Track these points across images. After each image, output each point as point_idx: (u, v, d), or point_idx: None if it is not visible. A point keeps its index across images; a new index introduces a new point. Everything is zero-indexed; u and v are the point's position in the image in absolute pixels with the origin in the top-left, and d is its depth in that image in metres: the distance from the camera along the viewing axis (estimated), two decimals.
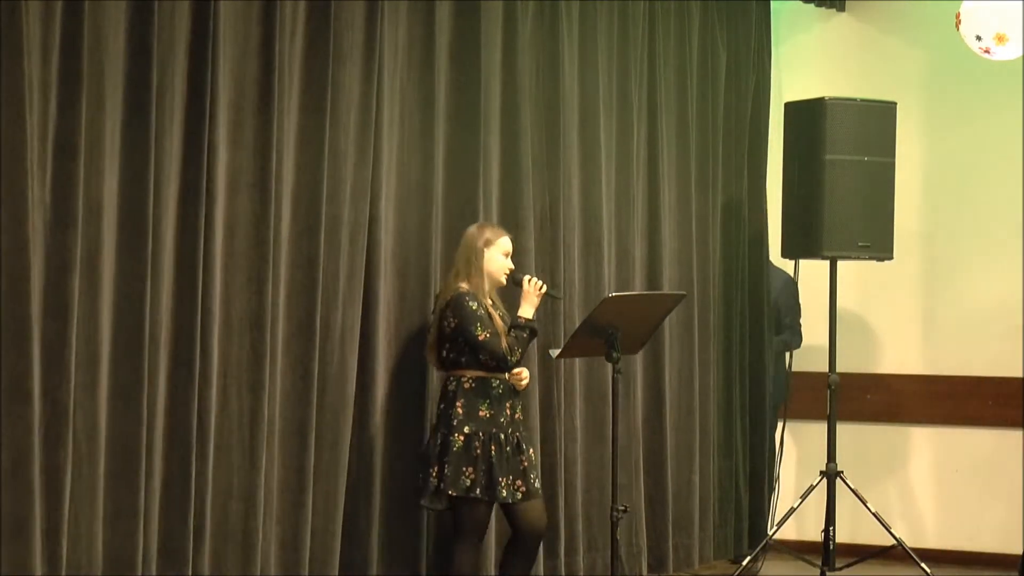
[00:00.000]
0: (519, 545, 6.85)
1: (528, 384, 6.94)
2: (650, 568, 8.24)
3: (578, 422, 7.70)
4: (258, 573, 6.23)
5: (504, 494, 6.65)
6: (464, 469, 6.62)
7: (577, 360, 7.68)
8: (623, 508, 6.74)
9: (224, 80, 6.12)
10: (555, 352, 6.94)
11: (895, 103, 8.39)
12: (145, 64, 5.77)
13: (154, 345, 5.86)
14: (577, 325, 7.30)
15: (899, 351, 9.25)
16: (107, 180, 5.68)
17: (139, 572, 5.76)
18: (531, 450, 6.88)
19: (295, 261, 6.47)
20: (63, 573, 5.48)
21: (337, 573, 6.61)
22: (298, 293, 6.47)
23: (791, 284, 9.06)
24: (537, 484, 6.82)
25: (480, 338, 6.66)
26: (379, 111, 6.76)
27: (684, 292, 7.94)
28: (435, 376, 7.01)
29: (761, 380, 9.05)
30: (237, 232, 6.22)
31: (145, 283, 5.78)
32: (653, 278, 8.30)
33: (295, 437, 6.45)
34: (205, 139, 6.02)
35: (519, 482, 6.72)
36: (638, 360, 8.10)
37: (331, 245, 6.59)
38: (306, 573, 6.46)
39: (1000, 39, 7.70)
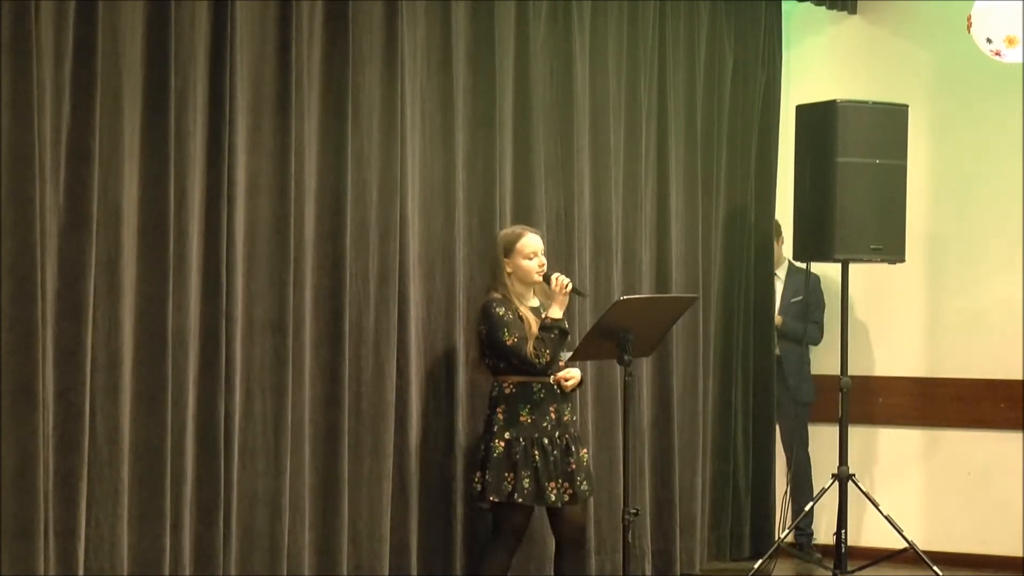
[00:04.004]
0: (558, 551, 6.95)
1: (576, 385, 6.91)
2: (656, 570, 8.23)
3: (590, 426, 7.69)
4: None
5: (552, 498, 6.70)
6: (505, 475, 6.68)
7: (588, 364, 7.67)
8: (634, 511, 6.75)
9: (242, 83, 6.13)
10: (566, 355, 6.94)
11: (907, 106, 8.38)
12: (164, 67, 5.78)
13: (182, 348, 5.89)
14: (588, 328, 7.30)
15: (910, 354, 9.23)
16: (126, 184, 5.70)
17: (167, 574, 5.78)
18: (583, 451, 6.89)
19: (320, 265, 6.48)
20: (80, 574, 5.50)
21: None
22: (324, 297, 6.48)
23: (818, 282, 9.06)
24: (585, 487, 6.83)
25: (508, 343, 6.69)
26: (403, 114, 6.77)
27: (696, 295, 7.93)
28: (464, 379, 7.05)
29: (768, 384, 9.03)
30: (258, 236, 6.24)
31: (168, 287, 5.79)
32: (661, 281, 8.29)
33: (325, 442, 6.47)
34: (225, 142, 6.04)
35: (566, 485, 6.76)
36: (645, 363, 8.09)
37: (359, 249, 6.60)
38: None
39: (1011, 41, 7.69)
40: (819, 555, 8.93)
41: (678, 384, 8.40)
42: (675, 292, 8.24)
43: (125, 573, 5.68)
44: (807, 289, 8.93)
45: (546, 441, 6.73)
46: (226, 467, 6.06)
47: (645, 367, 8.15)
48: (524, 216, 7.37)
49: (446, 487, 6.98)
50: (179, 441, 5.88)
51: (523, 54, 7.41)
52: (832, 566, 8.28)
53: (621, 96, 8.01)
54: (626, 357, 6.64)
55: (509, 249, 6.83)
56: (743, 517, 9.02)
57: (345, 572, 6.49)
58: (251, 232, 6.22)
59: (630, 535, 6.71)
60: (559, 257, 7.59)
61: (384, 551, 6.64)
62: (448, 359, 7.04)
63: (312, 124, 6.45)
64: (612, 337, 6.66)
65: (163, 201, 5.80)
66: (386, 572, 6.64)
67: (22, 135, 5.31)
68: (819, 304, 9.09)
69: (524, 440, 6.70)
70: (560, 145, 7.65)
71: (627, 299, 6.92)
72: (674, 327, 8.14)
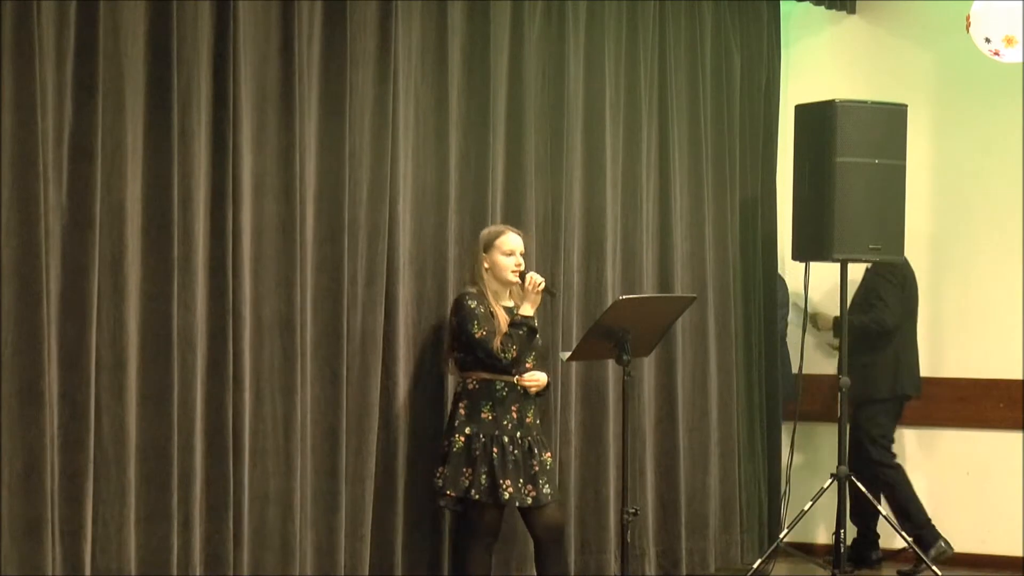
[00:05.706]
0: (538, 551, 6.92)
1: (541, 388, 6.90)
2: (662, 570, 8.22)
3: (572, 424, 7.66)
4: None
5: (507, 496, 6.68)
6: (463, 470, 6.68)
7: (574, 363, 7.62)
8: (633, 511, 6.74)
9: (247, 82, 6.15)
10: (565, 355, 6.94)
11: (906, 105, 8.39)
12: (166, 67, 5.80)
13: (190, 348, 5.91)
14: (579, 328, 7.33)
15: None
16: (129, 183, 5.72)
17: (175, 574, 5.80)
18: (547, 454, 6.87)
19: (320, 265, 6.50)
20: (87, 574, 5.52)
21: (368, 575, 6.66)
22: (323, 297, 6.50)
23: (782, 279, 9.13)
24: (547, 490, 6.79)
25: (476, 336, 6.70)
26: (395, 113, 6.78)
27: (695, 295, 7.93)
28: (452, 379, 7.04)
29: (775, 382, 9.04)
30: (264, 235, 6.25)
31: (173, 286, 5.81)
32: (664, 280, 8.28)
33: (326, 441, 6.49)
34: (230, 142, 6.05)
35: (529, 487, 6.74)
36: (647, 363, 8.08)
37: (351, 248, 6.61)
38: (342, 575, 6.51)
39: (1009, 41, 7.70)
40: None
41: (685, 383, 8.35)
42: (679, 292, 8.22)
43: (133, 573, 5.70)
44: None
45: (506, 439, 6.72)
46: (237, 468, 6.07)
47: (647, 366, 8.14)
48: (515, 216, 7.36)
49: (434, 487, 6.96)
50: (187, 441, 5.90)
51: (517, 55, 7.41)
52: (831, 566, 8.29)
53: (620, 96, 8.00)
54: (624, 357, 6.65)
55: (488, 245, 6.84)
56: (764, 518, 9.00)
57: (342, 570, 6.50)
58: (258, 232, 6.24)
59: (628, 535, 6.72)
60: (549, 257, 7.58)
61: (365, 550, 6.63)
62: (438, 359, 7.03)
63: (312, 124, 6.47)
64: (611, 337, 6.68)
65: (168, 200, 5.82)
66: (366, 571, 6.63)
67: (25, 135, 5.33)
68: (783, 302, 9.13)
69: (484, 437, 6.70)
70: (553, 146, 7.65)
71: (626, 299, 6.94)
72: (680, 327, 8.16)
